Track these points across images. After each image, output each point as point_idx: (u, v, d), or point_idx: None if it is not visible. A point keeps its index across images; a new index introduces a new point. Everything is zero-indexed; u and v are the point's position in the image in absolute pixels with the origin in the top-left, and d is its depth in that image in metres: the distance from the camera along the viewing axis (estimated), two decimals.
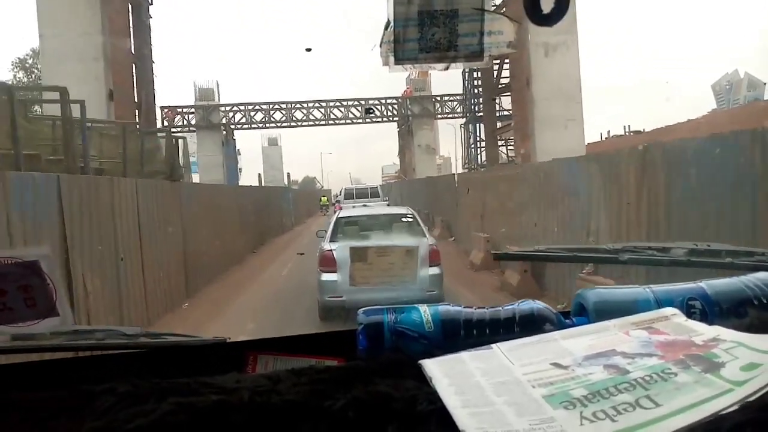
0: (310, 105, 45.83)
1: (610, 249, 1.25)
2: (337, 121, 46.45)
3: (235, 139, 47.65)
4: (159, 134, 13.94)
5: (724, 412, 0.54)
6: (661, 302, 0.83)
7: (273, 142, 73.69)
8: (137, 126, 13.61)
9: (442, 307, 0.84)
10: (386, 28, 0.94)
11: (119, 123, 12.16)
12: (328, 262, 7.53)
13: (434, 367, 0.68)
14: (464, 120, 37.82)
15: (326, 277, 7.48)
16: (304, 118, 46.13)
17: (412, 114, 44.61)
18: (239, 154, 60.39)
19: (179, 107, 44.06)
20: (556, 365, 0.66)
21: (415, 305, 0.83)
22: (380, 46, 0.94)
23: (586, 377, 0.62)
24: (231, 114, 45.32)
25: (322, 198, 48.82)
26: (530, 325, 0.81)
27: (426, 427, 0.60)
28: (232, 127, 46.05)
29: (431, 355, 0.72)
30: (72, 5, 15.34)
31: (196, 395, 0.67)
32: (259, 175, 49.42)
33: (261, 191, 25.94)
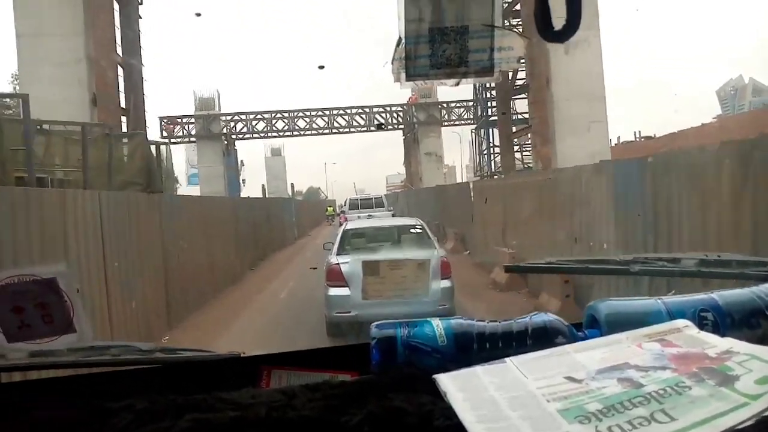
0: (313, 114, 44.26)
1: (621, 260, 1.25)
2: (341, 130, 45.10)
3: (236, 149, 46.29)
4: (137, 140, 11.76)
5: (739, 426, 0.54)
6: (672, 314, 0.83)
7: (276, 152, 72.31)
8: (107, 129, 11.28)
9: (455, 321, 0.84)
10: (398, 45, 0.96)
11: (78, 124, 10.11)
12: (335, 277, 7.23)
13: (448, 382, 0.68)
14: (475, 125, 36.05)
15: (334, 291, 7.19)
16: (307, 127, 44.68)
17: (418, 121, 43.49)
18: (243, 165, 58.35)
19: (179, 117, 43.02)
20: (570, 379, 0.66)
21: (428, 319, 0.84)
22: (392, 62, 0.96)
23: (600, 391, 0.62)
24: (232, 124, 44.34)
25: (329, 208, 48.33)
26: (542, 337, 0.81)
27: None
28: (234, 137, 44.92)
29: (444, 369, 0.72)
30: (52, 3, 14.33)
31: (213, 411, 0.68)
32: (263, 186, 48.67)
33: (260, 203, 24.27)
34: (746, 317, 0.83)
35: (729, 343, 0.70)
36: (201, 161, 42.52)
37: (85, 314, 0.93)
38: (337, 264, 7.31)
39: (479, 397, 0.64)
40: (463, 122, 44.41)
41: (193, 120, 42.66)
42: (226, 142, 43.11)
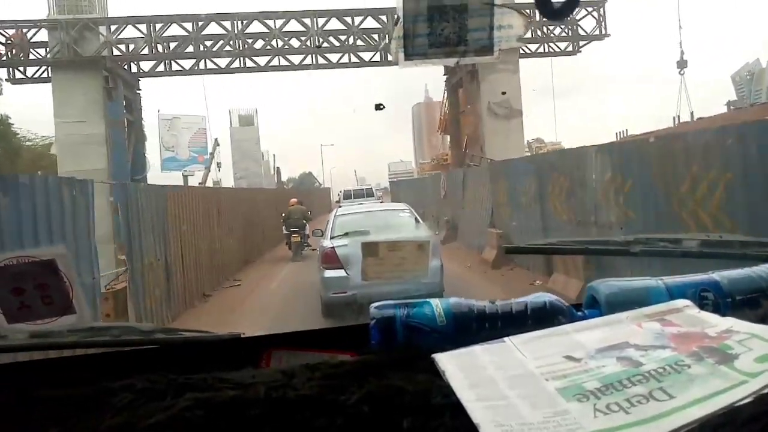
0: (281, 25, 22.18)
1: (622, 241, 1.25)
2: (330, 58, 22.87)
3: (140, 93, 24.13)
4: None
5: (738, 404, 0.54)
6: (673, 294, 0.83)
7: (246, 120, 50.16)
8: None
9: (454, 301, 0.84)
10: (396, 23, 0.95)
11: None
12: (331, 259, 7.72)
13: (447, 361, 0.68)
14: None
15: (330, 273, 7.65)
16: (269, 48, 22.40)
17: None
18: (218, 144, 36.14)
19: (20, 23, 21.34)
20: (569, 358, 0.66)
21: (427, 300, 0.84)
22: (390, 42, 0.95)
23: (599, 370, 0.63)
24: (126, 45, 22.28)
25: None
26: (542, 318, 0.82)
27: (440, 420, 0.61)
28: (127, 66, 23.11)
29: (443, 349, 0.72)
30: None
31: (213, 391, 0.68)
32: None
33: None
34: (747, 297, 0.83)
35: (729, 322, 0.70)
36: (60, 113, 20.74)
37: (84, 295, 0.93)
38: (332, 247, 7.81)
39: (478, 376, 0.64)
40: (555, 51, 22.94)
41: (45, 31, 21.19)
42: (106, 75, 21.18)
